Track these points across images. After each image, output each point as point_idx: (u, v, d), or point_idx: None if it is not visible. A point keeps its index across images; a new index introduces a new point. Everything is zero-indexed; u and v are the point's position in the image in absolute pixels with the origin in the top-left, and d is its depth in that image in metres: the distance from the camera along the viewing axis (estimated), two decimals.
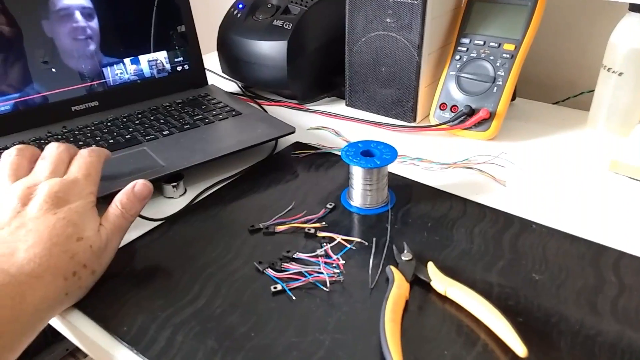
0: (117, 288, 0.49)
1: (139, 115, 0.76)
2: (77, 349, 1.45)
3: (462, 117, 0.73)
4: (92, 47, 0.76)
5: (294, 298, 0.47)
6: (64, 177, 0.48)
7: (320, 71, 0.88)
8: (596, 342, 0.42)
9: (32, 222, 0.44)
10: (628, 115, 0.71)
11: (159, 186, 0.63)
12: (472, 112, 0.72)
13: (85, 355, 1.42)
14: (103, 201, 0.57)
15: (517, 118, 0.80)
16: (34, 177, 0.48)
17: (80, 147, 0.67)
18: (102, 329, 0.45)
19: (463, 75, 0.74)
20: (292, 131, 0.70)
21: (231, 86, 0.94)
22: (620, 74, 0.69)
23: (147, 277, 0.50)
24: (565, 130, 0.76)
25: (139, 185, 0.52)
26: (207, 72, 0.87)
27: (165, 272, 0.50)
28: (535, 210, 0.58)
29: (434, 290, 0.47)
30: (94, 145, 0.65)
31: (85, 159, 0.51)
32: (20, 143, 0.69)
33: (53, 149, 0.51)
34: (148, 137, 0.70)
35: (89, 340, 0.45)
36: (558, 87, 0.89)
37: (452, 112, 0.74)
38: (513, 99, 0.80)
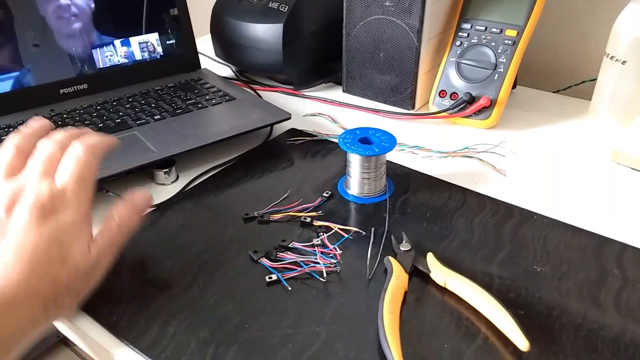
0: (107, 277, 0.47)
1: (130, 99, 0.74)
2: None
3: (462, 105, 0.71)
4: (78, 25, 0.73)
5: (289, 288, 0.46)
6: (55, 182, 0.42)
7: (317, 56, 0.85)
8: (599, 336, 0.41)
9: (14, 235, 0.38)
10: (631, 104, 0.70)
11: (150, 172, 0.61)
12: (472, 99, 0.70)
13: None
14: None
15: (517, 106, 0.78)
16: (22, 180, 0.42)
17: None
18: (92, 319, 0.43)
19: (463, 61, 0.72)
20: (288, 117, 0.69)
21: (225, 70, 0.91)
22: (624, 62, 0.68)
23: (138, 266, 0.48)
24: (566, 120, 0.75)
25: (139, 196, 0.46)
26: (200, 55, 0.85)
27: (156, 261, 0.49)
28: (536, 200, 0.57)
29: (433, 282, 0.46)
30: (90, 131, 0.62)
31: (80, 159, 0.43)
32: (6, 127, 0.66)
33: (47, 147, 0.44)
34: (139, 122, 0.67)
35: (78, 330, 0.44)
36: (559, 75, 0.87)
37: (452, 99, 0.73)
38: (513, 87, 0.78)
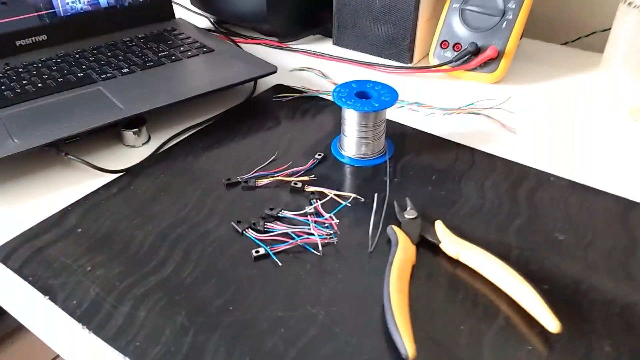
0: (66, 253, 0.40)
1: (94, 51, 0.65)
2: None
3: (467, 57, 0.64)
4: None
5: (279, 264, 0.40)
6: None
7: (304, 4, 0.77)
8: (634, 314, 0.36)
9: None
10: None
11: (117, 133, 0.53)
12: (477, 50, 0.64)
13: None
14: (49, 150, 0.48)
15: (523, 59, 0.72)
16: None
17: (24, 87, 0.57)
18: (49, 302, 0.37)
19: (468, 8, 0.65)
20: (274, 71, 0.61)
21: (202, 22, 0.82)
22: None
23: (103, 240, 0.42)
24: (577, 73, 0.69)
25: None
26: (174, 5, 0.76)
27: (124, 234, 0.42)
28: (551, 161, 0.52)
29: (444, 254, 0.40)
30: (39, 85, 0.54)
31: None
32: None
33: None
34: (104, 76, 0.59)
35: (31, 315, 0.37)
36: (567, 26, 0.81)
37: (455, 50, 0.66)
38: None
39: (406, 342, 0.32)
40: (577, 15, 0.79)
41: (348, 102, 0.49)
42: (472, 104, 0.61)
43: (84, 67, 0.62)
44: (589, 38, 0.76)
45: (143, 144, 0.54)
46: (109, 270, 0.39)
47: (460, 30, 0.65)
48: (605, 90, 0.64)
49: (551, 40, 0.78)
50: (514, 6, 0.63)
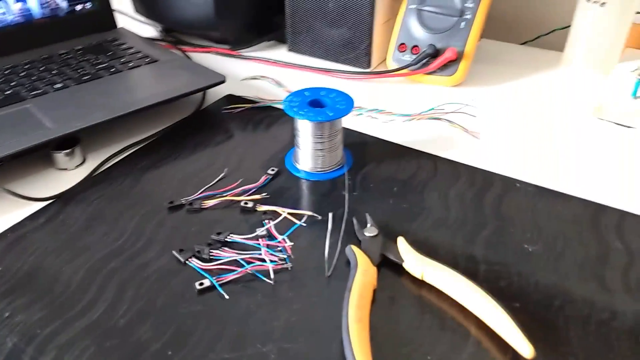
0: None
1: (27, 66, 0.60)
2: None
3: (425, 60, 0.61)
4: None
5: (226, 297, 0.35)
6: None
7: (257, 8, 0.73)
8: (612, 329, 0.33)
9: None
10: (609, 51, 0.63)
11: (48, 155, 0.48)
12: (436, 52, 0.61)
13: None
14: None
15: (483, 61, 0.70)
16: None
17: None
18: None
19: (425, 8, 0.62)
20: (222, 80, 0.57)
21: (148, 31, 0.78)
22: (603, 4, 0.60)
23: (25, 280, 0.37)
24: (538, 72, 0.67)
25: None
26: (116, 13, 0.71)
27: (50, 272, 0.37)
28: (516, 165, 0.49)
29: (408, 274, 0.37)
30: None
31: None
32: None
33: None
34: (34, 93, 0.54)
35: None
36: (526, 25, 0.79)
37: (413, 54, 0.63)
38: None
39: None
40: (535, 14, 0.78)
41: (300, 112, 0.45)
42: (432, 109, 0.58)
43: (13, 83, 0.56)
44: (548, 36, 0.75)
45: (77, 167, 0.49)
46: (30, 316, 0.34)
47: (418, 32, 0.63)
48: (568, 89, 0.63)
49: (510, 40, 0.77)
50: (472, 5, 0.60)
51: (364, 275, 0.36)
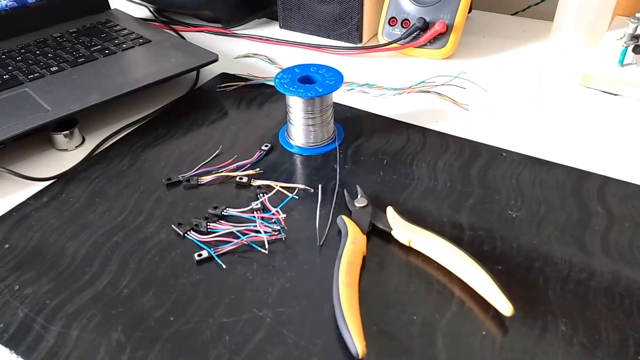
0: None
1: (22, 50, 0.61)
2: None
3: (416, 33, 0.62)
4: None
5: (224, 266, 0.37)
6: None
7: None
8: (590, 288, 0.35)
9: None
10: (597, 20, 0.63)
11: (48, 137, 0.50)
12: (426, 26, 0.62)
13: None
14: None
15: (473, 32, 0.70)
16: None
17: None
18: None
19: None
20: (215, 59, 0.58)
21: (141, 11, 0.78)
22: None
23: (31, 256, 0.39)
24: (528, 43, 0.68)
25: None
26: None
27: (55, 247, 0.39)
28: (505, 136, 0.50)
29: (396, 241, 0.39)
30: None
31: None
32: None
33: None
34: (31, 76, 0.55)
35: None
36: None
37: (404, 27, 0.64)
38: (469, 11, 0.70)
39: (356, 340, 0.31)
40: None
41: (291, 89, 0.46)
42: (422, 82, 0.59)
43: (10, 68, 0.57)
44: (538, 6, 0.75)
45: (76, 147, 0.50)
46: (39, 288, 0.36)
47: (408, 6, 0.63)
48: (557, 58, 0.64)
49: (501, 10, 0.77)
50: None
51: (354, 243, 0.38)
